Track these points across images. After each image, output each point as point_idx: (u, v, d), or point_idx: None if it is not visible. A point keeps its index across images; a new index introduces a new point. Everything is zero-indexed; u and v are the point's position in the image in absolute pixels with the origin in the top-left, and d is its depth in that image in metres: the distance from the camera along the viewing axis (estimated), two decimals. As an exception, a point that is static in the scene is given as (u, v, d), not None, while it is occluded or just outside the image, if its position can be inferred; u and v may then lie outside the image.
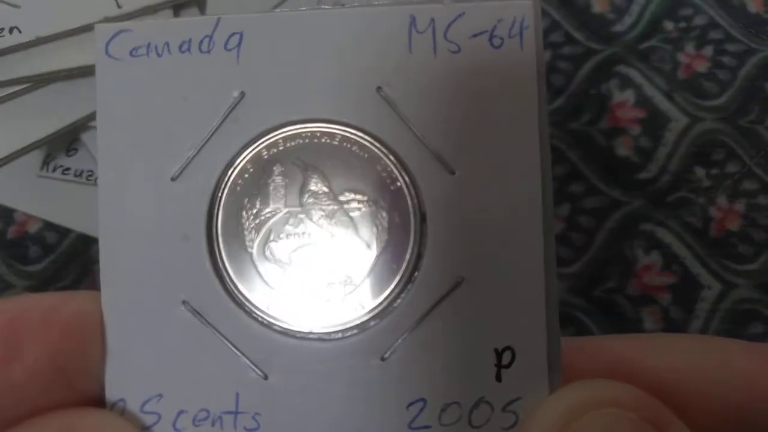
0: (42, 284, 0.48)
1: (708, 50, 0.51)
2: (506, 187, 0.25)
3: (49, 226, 0.49)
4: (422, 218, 0.25)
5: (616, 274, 0.47)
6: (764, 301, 0.46)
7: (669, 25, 0.51)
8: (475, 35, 0.25)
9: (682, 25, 0.51)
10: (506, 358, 0.24)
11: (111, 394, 0.25)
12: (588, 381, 0.24)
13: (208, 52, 0.25)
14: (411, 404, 0.24)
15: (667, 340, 0.28)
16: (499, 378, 0.24)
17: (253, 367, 0.25)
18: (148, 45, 0.25)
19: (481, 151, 0.25)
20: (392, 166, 0.25)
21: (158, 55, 0.25)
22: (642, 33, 0.51)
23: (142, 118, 0.25)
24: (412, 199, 0.25)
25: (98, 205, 0.25)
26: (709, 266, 0.47)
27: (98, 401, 0.25)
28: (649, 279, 0.47)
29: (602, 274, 0.47)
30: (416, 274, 0.25)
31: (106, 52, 0.25)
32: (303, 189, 0.25)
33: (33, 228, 0.49)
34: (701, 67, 0.50)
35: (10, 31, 0.44)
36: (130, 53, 0.25)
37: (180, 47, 0.25)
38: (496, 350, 0.24)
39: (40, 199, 0.49)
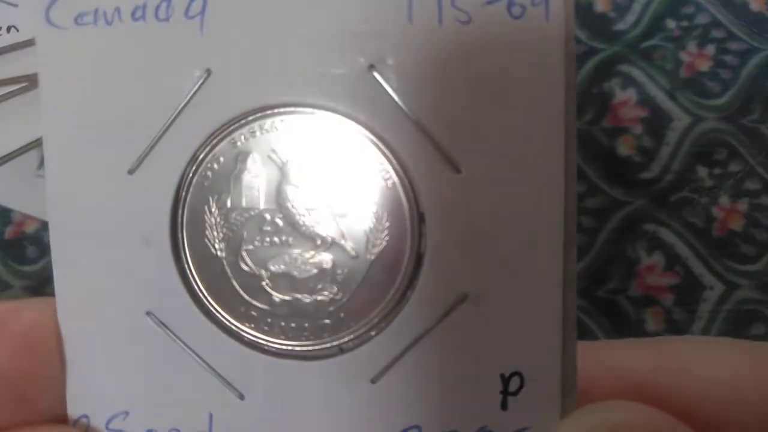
0: (39, 284, 0.44)
1: (710, 49, 0.48)
2: (522, 189, 0.20)
3: (46, 226, 0.45)
4: (421, 224, 0.21)
5: (618, 274, 0.44)
6: (767, 302, 0.44)
7: (671, 24, 0.49)
8: (489, 2, 0.20)
9: (684, 23, 0.49)
10: (514, 384, 0.21)
11: (73, 409, 0.22)
12: (601, 404, 0.21)
13: (167, 19, 0.21)
14: (404, 431, 0.21)
15: (699, 351, 0.24)
16: (504, 406, 0.21)
17: (228, 387, 0.21)
18: (96, 11, 0.21)
19: (492, 145, 0.20)
20: (386, 161, 0.21)
21: (107, 23, 0.21)
22: (644, 32, 0.49)
23: (92, 99, 0.21)
24: (409, 201, 0.21)
25: (47, 202, 0.21)
26: (712, 267, 0.44)
27: (61, 418, 0.22)
28: (652, 279, 0.44)
29: (604, 274, 0.44)
30: (413, 288, 0.21)
31: (47, 19, 0.21)
32: (281, 186, 0.21)
33: (30, 228, 0.45)
34: (703, 66, 0.48)
35: (8, 30, 0.43)
36: (75, 21, 0.21)
37: (133, 14, 0.21)
38: (502, 376, 0.21)
39: (37, 199, 0.46)
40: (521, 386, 0.21)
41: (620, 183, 0.45)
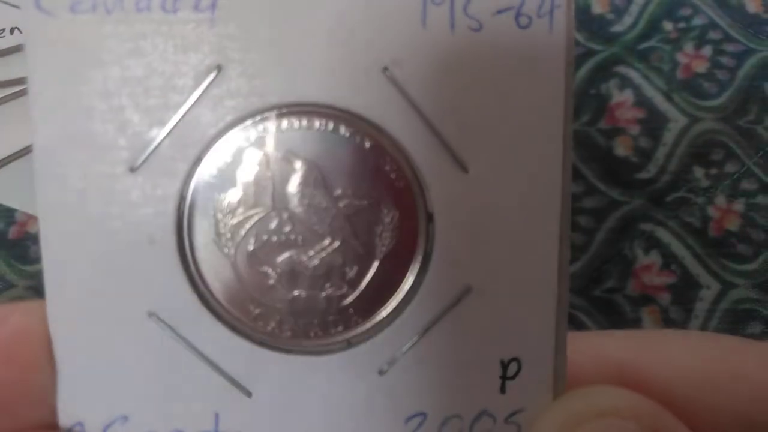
0: (42, 284, 0.43)
1: (707, 50, 0.48)
2: (523, 187, 0.21)
3: (49, 226, 0.45)
4: (429, 221, 0.21)
5: (615, 273, 0.44)
6: (763, 301, 0.44)
7: (668, 26, 0.49)
8: (500, 11, 0.20)
9: (681, 25, 0.49)
10: (512, 369, 0.21)
11: (66, 418, 0.21)
12: (588, 389, 0.22)
13: (174, 11, 0.20)
14: (410, 418, 0.21)
15: (676, 340, 0.26)
16: (503, 390, 0.21)
17: (235, 385, 0.21)
18: None
19: (499, 146, 0.21)
20: (397, 161, 0.21)
21: (108, 12, 0.20)
22: (641, 33, 0.49)
23: (90, 94, 0.20)
24: (418, 200, 0.21)
25: (36, 200, 0.20)
26: (708, 266, 0.44)
27: (52, 427, 0.21)
28: (649, 279, 0.44)
29: (602, 274, 0.44)
30: (420, 282, 0.21)
31: (37, 4, 0.19)
32: (291, 184, 0.20)
33: (34, 228, 0.45)
34: (700, 67, 0.48)
35: (11, 31, 0.44)
36: (72, 8, 0.20)
37: (137, 4, 0.20)
38: (502, 362, 0.21)
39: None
40: (519, 371, 0.21)
41: (617, 183, 0.45)
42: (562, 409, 0.21)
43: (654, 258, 0.44)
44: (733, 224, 0.45)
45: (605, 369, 0.24)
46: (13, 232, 0.44)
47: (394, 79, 0.20)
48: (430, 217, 0.21)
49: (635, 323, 0.43)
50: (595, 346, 0.24)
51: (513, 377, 0.21)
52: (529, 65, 0.20)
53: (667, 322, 0.43)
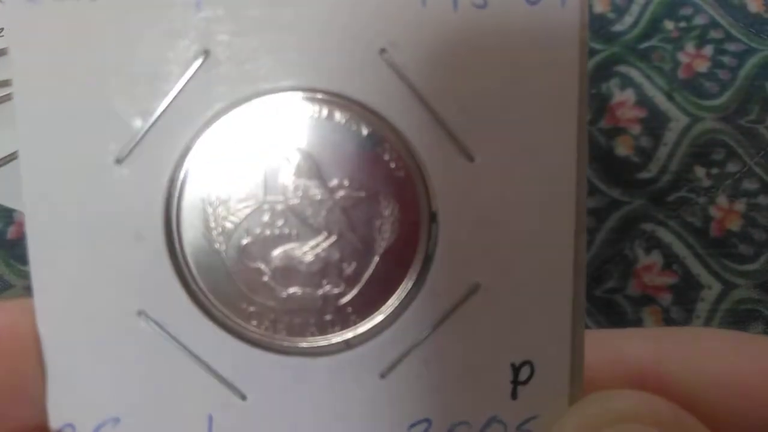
0: None
1: (708, 50, 0.48)
2: (535, 177, 0.20)
3: (48, 226, 0.44)
4: (433, 214, 0.20)
5: (616, 273, 0.44)
6: (764, 301, 0.43)
7: (669, 25, 0.48)
8: None
9: (683, 24, 0.48)
10: (524, 373, 0.20)
11: (56, 419, 0.20)
12: (606, 393, 0.20)
13: None
14: (414, 425, 0.20)
15: (699, 339, 0.25)
16: (515, 395, 0.20)
17: (228, 387, 0.20)
18: None
19: (507, 133, 0.19)
20: (397, 149, 0.19)
21: None
22: (642, 32, 0.48)
23: (74, 81, 0.19)
24: (421, 191, 0.20)
25: (23, 194, 0.19)
26: (710, 266, 0.44)
27: (42, 429, 0.20)
28: (650, 279, 0.43)
29: (602, 274, 0.44)
30: (423, 279, 0.20)
31: None
32: (284, 175, 0.19)
33: None
34: (701, 66, 0.47)
35: None
36: None
37: None
38: (513, 365, 0.20)
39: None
40: (531, 375, 0.20)
41: (618, 183, 0.45)
42: (579, 414, 0.20)
43: (655, 258, 0.44)
44: (734, 224, 0.44)
45: (624, 371, 0.23)
46: (11, 232, 0.44)
47: (392, 61, 0.19)
48: (432, 210, 0.20)
49: (636, 324, 0.43)
50: (613, 347, 0.24)
51: (525, 382, 0.20)
52: (540, 44, 0.19)
53: (669, 323, 0.43)
